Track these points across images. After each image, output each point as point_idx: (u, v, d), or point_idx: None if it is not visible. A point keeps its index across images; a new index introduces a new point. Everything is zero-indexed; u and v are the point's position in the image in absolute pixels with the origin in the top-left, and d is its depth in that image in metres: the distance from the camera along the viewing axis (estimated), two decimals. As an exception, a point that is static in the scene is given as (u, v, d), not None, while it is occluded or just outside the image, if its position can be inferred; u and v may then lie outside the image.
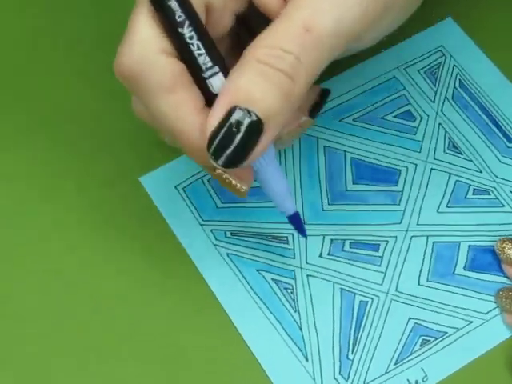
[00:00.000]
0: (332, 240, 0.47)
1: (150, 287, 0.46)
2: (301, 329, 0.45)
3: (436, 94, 0.52)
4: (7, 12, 0.55)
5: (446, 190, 0.49)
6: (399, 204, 0.48)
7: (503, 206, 0.48)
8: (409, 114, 0.51)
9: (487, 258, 0.47)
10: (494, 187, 0.49)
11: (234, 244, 0.47)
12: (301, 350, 0.44)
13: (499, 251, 0.45)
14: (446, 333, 0.45)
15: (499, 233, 0.47)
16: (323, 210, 0.48)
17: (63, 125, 0.51)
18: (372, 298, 0.46)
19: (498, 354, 0.44)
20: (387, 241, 0.47)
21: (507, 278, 0.46)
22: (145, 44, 0.35)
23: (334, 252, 0.47)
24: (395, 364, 0.44)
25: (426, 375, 0.44)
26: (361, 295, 0.46)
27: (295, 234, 0.47)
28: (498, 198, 0.49)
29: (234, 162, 0.35)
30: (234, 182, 0.38)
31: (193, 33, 0.34)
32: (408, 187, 0.49)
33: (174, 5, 0.34)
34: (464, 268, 0.47)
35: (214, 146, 0.35)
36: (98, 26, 0.55)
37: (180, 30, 0.34)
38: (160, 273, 0.47)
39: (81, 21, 0.55)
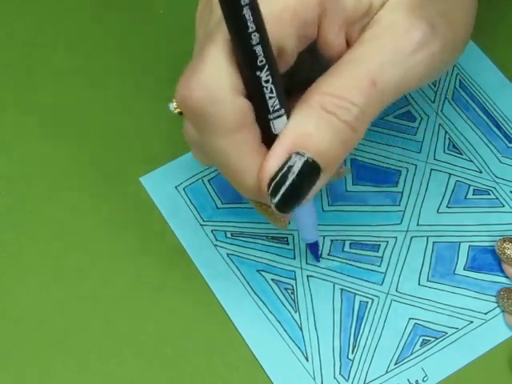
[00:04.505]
0: (332, 240, 0.47)
1: (149, 287, 0.46)
2: (301, 329, 0.45)
3: (436, 94, 0.52)
4: (7, 12, 0.55)
5: (446, 190, 0.49)
6: (399, 204, 0.48)
7: (503, 206, 0.48)
8: (409, 115, 0.51)
9: (487, 258, 0.47)
10: (494, 187, 0.49)
11: (234, 244, 0.47)
12: (301, 350, 0.44)
13: (499, 251, 0.45)
14: (446, 333, 0.45)
15: (499, 233, 0.47)
16: (323, 211, 0.48)
17: (63, 125, 0.51)
18: (372, 299, 0.46)
19: (498, 354, 0.44)
20: (387, 241, 0.47)
21: (507, 278, 0.46)
22: (218, 81, 0.34)
23: (334, 252, 0.47)
24: (395, 364, 0.44)
25: (426, 375, 0.44)
26: (361, 295, 0.46)
27: (295, 234, 0.47)
28: (498, 198, 0.49)
29: (290, 203, 0.36)
30: (277, 215, 0.40)
31: (269, 77, 0.34)
32: (408, 188, 0.49)
33: (259, 49, 0.33)
34: (464, 268, 0.47)
35: (272, 187, 0.35)
36: (98, 26, 0.55)
37: (258, 73, 0.34)
38: (160, 273, 0.47)
39: (81, 21, 0.55)
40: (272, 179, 0.35)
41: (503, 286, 0.46)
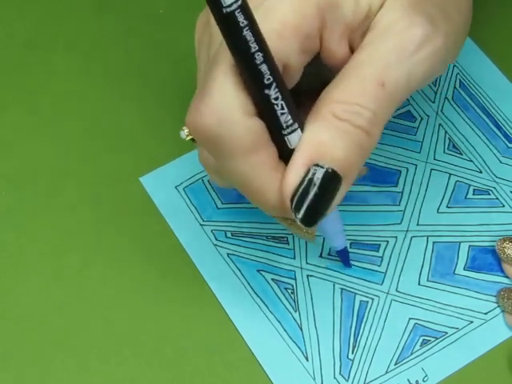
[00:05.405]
0: (332, 240, 0.47)
1: (149, 287, 0.46)
2: (301, 329, 0.45)
3: (436, 94, 0.52)
4: (7, 12, 0.55)
5: (446, 190, 0.49)
6: (399, 204, 0.48)
7: (503, 206, 0.48)
8: (409, 115, 0.51)
9: (487, 258, 0.47)
10: (494, 187, 0.49)
11: (234, 244, 0.47)
12: (301, 350, 0.44)
13: (499, 251, 0.45)
14: (446, 333, 0.45)
15: (499, 233, 0.47)
16: (323, 210, 0.48)
17: (63, 125, 0.51)
18: (372, 298, 0.46)
19: (498, 354, 0.44)
20: (387, 241, 0.47)
21: (507, 277, 0.46)
22: (228, 105, 0.34)
23: (334, 252, 0.47)
24: (395, 364, 0.44)
25: (426, 375, 0.44)
26: (361, 295, 0.46)
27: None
28: (498, 198, 0.49)
29: (315, 216, 0.35)
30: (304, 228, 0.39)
31: (278, 94, 0.34)
32: (408, 188, 0.49)
33: (264, 68, 0.33)
34: (464, 268, 0.47)
35: (295, 202, 0.35)
36: (98, 26, 0.55)
37: (267, 91, 0.34)
38: (160, 273, 0.47)
39: (81, 21, 0.55)
40: (294, 194, 0.35)
41: (503, 286, 0.46)
